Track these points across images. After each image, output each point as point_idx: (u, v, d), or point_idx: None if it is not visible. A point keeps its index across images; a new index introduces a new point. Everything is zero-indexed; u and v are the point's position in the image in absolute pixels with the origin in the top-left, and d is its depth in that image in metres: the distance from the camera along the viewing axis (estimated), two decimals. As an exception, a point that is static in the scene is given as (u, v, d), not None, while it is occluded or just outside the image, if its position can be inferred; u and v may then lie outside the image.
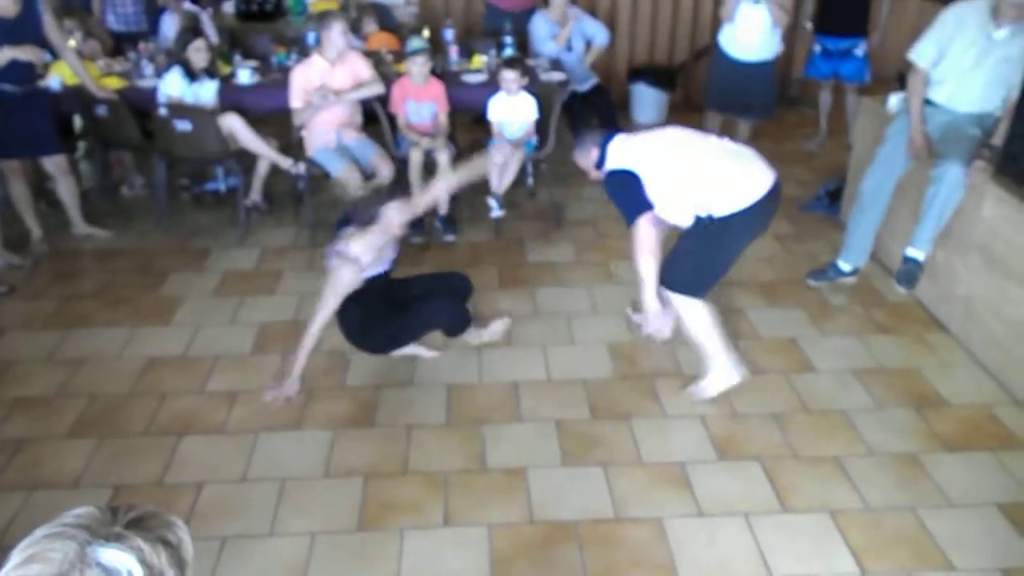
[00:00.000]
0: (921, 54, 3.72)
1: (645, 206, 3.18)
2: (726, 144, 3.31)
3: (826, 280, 4.14)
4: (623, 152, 3.29)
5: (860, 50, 5.58)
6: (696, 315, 3.24)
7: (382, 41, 5.58)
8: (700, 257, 3.21)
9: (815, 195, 5.12)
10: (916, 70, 3.75)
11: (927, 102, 3.77)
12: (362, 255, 3.18)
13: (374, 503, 2.80)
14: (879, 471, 2.94)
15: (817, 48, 5.69)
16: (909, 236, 3.76)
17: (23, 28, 4.01)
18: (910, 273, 3.73)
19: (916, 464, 2.97)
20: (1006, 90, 3.57)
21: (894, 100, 4.16)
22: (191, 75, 4.55)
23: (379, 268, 3.31)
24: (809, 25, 5.82)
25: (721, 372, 3.28)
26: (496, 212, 4.69)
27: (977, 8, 3.55)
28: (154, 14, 5.77)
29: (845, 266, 4.10)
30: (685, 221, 3.23)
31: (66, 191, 4.59)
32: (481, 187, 4.79)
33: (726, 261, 3.26)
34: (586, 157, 3.39)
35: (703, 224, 3.17)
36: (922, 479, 2.90)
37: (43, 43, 4.18)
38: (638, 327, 3.63)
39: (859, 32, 5.56)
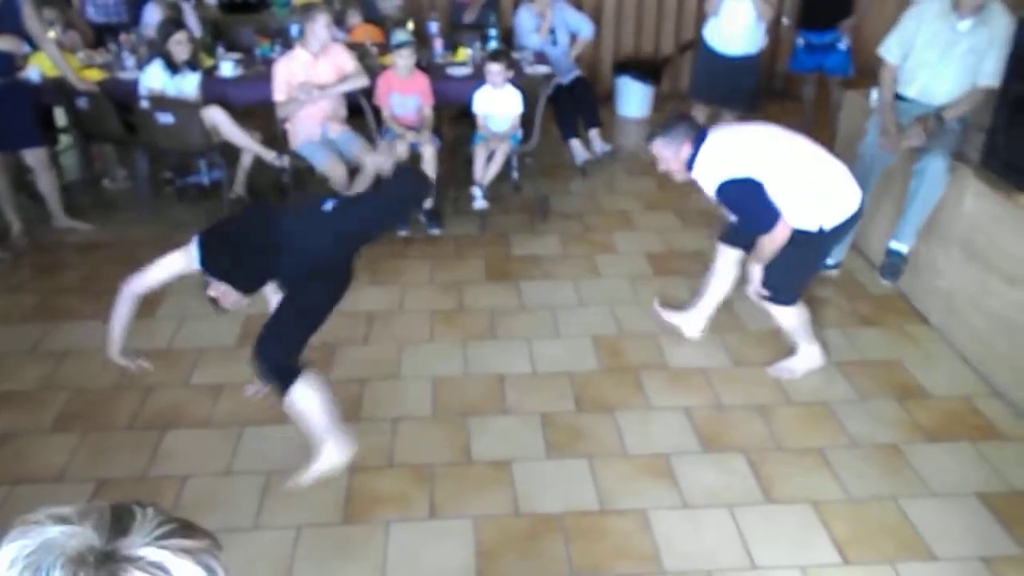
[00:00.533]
0: (888, 49, 3.81)
1: (776, 212, 3.02)
2: (813, 147, 3.18)
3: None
4: (729, 156, 3.06)
5: (843, 43, 5.60)
6: (793, 315, 3.34)
7: (366, 33, 5.55)
8: (804, 269, 3.28)
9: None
10: (885, 65, 3.83)
11: (902, 98, 3.81)
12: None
13: (360, 496, 2.79)
14: (862, 462, 2.96)
15: (801, 42, 5.71)
16: (892, 229, 3.79)
17: (2, 19, 3.96)
18: (894, 266, 3.76)
19: (898, 455, 3.00)
20: (973, 80, 3.60)
21: (876, 95, 4.18)
22: (173, 67, 4.51)
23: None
24: (786, 21, 5.84)
25: (809, 355, 3.41)
26: (479, 202, 4.68)
27: (936, 1, 3.61)
28: (135, 5, 5.70)
29: (827, 259, 4.12)
30: (797, 223, 3.10)
31: (46, 184, 4.55)
32: (466, 180, 4.79)
33: (821, 266, 3.37)
34: (675, 153, 3.11)
35: (811, 236, 3.12)
36: (904, 470, 2.93)
37: (22, 34, 4.13)
38: (672, 324, 3.67)
39: (840, 26, 5.57)
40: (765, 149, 3.11)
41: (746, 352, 3.61)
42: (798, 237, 3.10)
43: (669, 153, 3.14)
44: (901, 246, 3.73)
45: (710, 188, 3.11)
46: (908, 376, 3.46)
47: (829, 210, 3.11)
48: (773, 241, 3.08)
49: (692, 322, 3.66)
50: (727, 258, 3.50)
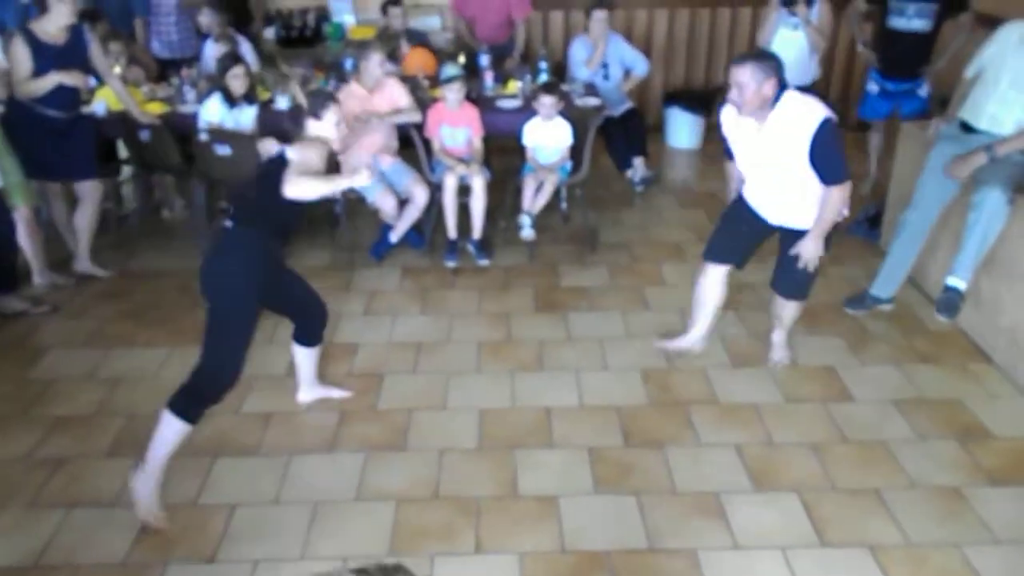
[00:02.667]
0: (971, 66, 3.84)
1: (848, 170, 3.13)
2: None
3: (863, 309, 4.07)
4: (815, 103, 3.07)
5: (923, 90, 5.09)
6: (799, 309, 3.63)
7: (419, 61, 5.62)
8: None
9: (854, 220, 5.05)
10: (963, 79, 3.89)
11: (971, 128, 3.72)
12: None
13: (405, 528, 2.79)
14: (921, 505, 2.86)
15: (874, 88, 5.20)
16: (950, 264, 3.69)
17: (71, 55, 4.12)
18: (951, 302, 3.65)
19: (960, 498, 2.89)
20: None
21: (933, 127, 4.09)
22: (231, 101, 4.63)
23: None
24: (861, 47, 5.35)
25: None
26: (527, 231, 4.68)
27: (1019, 28, 3.56)
28: (200, 41, 5.88)
29: (881, 294, 4.02)
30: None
31: (85, 219, 4.49)
32: (515, 211, 4.80)
33: None
34: (760, 84, 2.99)
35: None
36: (966, 514, 2.82)
37: (89, 69, 4.29)
38: (675, 353, 3.73)
39: (921, 74, 5.04)
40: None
41: (797, 387, 3.54)
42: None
43: (754, 83, 2.99)
44: (959, 282, 3.61)
45: (807, 126, 3.00)
46: (969, 416, 3.34)
47: None
48: (842, 198, 3.13)
49: (695, 339, 3.77)
50: (715, 276, 3.62)
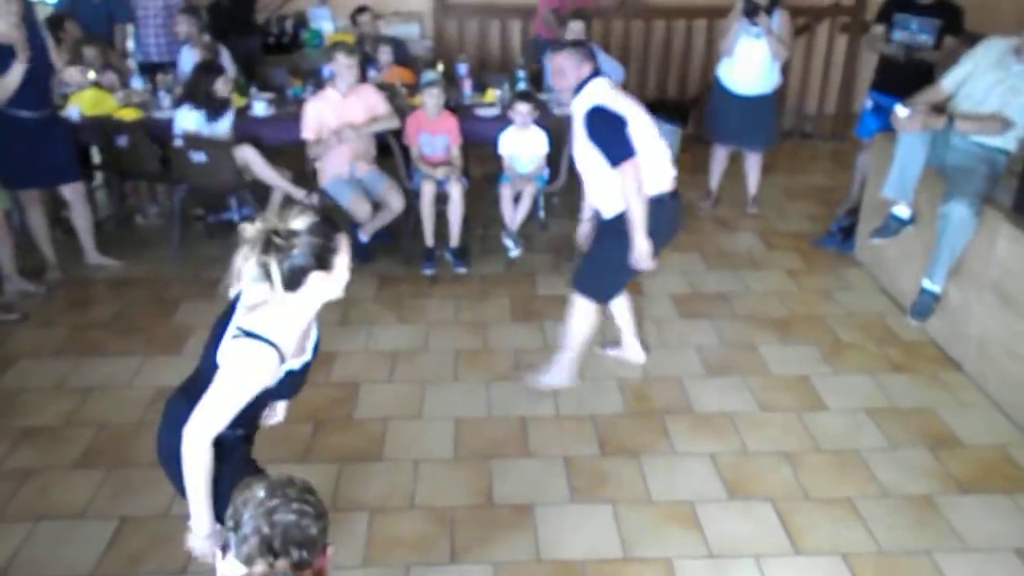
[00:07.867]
0: (949, 77, 3.85)
1: (631, 152, 3.13)
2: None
3: (889, 235, 3.99)
4: (610, 93, 3.20)
5: None
6: (589, 315, 3.46)
7: (397, 75, 5.63)
8: (618, 263, 3.29)
9: (827, 231, 5.10)
10: (939, 89, 3.87)
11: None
12: (282, 339, 1.88)
13: (380, 539, 2.77)
14: (893, 513, 2.89)
15: (869, 104, 5.06)
16: (921, 272, 3.75)
17: (31, 51, 4.05)
18: (925, 305, 3.72)
19: (931, 506, 2.92)
20: (1017, 124, 3.58)
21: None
22: (210, 111, 4.61)
23: (301, 359, 2.01)
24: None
25: (563, 368, 3.57)
26: (514, 252, 4.69)
27: (1005, 42, 3.66)
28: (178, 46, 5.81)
29: (902, 212, 3.93)
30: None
31: (81, 219, 4.63)
32: (492, 219, 4.80)
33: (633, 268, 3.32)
34: (575, 69, 3.20)
35: (621, 223, 3.19)
36: (937, 522, 2.85)
37: (50, 67, 4.24)
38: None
39: None
40: (636, 109, 3.26)
41: (771, 397, 3.56)
42: (609, 226, 3.28)
43: (570, 66, 3.19)
44: (933, 286, 3.69)
45: (581, 113, 3.17)
46: (940, 424, 3.38)
47: (655, 178, 3.22)
48: (632, 189, 3.11)
49: (633, 349, 3.82)
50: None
